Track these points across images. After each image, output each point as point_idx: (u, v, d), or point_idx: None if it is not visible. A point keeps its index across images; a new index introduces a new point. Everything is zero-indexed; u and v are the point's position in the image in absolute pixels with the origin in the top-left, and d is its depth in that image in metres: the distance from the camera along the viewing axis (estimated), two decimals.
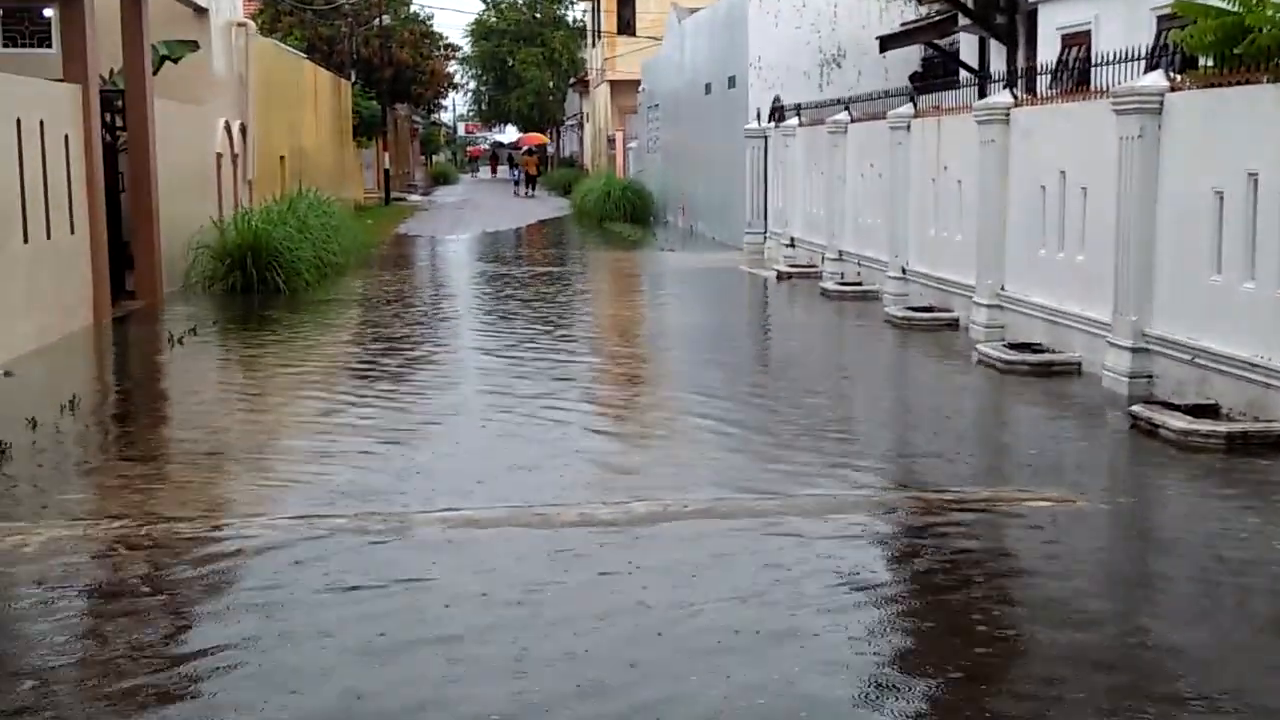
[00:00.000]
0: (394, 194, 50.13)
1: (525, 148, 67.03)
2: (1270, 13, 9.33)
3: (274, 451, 9.33)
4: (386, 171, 48.83)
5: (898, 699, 5.03)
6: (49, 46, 20.21)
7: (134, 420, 10.73)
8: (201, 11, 21.22)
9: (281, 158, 27.66)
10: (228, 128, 22.22)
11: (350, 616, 5.86)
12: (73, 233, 15.03)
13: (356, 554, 6.75)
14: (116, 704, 4.99)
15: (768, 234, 25.16)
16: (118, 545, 6.93)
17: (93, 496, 8.13)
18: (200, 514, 7.52)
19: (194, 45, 20.40)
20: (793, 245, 22.98)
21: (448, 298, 19.50)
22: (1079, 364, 11.78)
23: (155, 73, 18.57)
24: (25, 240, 13.54)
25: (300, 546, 6.85)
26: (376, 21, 50.63)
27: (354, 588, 6.22)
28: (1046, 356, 12.05)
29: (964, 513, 7.48)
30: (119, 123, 17.80)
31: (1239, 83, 9.62)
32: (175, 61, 19.83)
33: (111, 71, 18.33)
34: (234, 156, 22.74)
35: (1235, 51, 9.64)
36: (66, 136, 14.87)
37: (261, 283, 18.58)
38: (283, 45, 32.48)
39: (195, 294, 18.62)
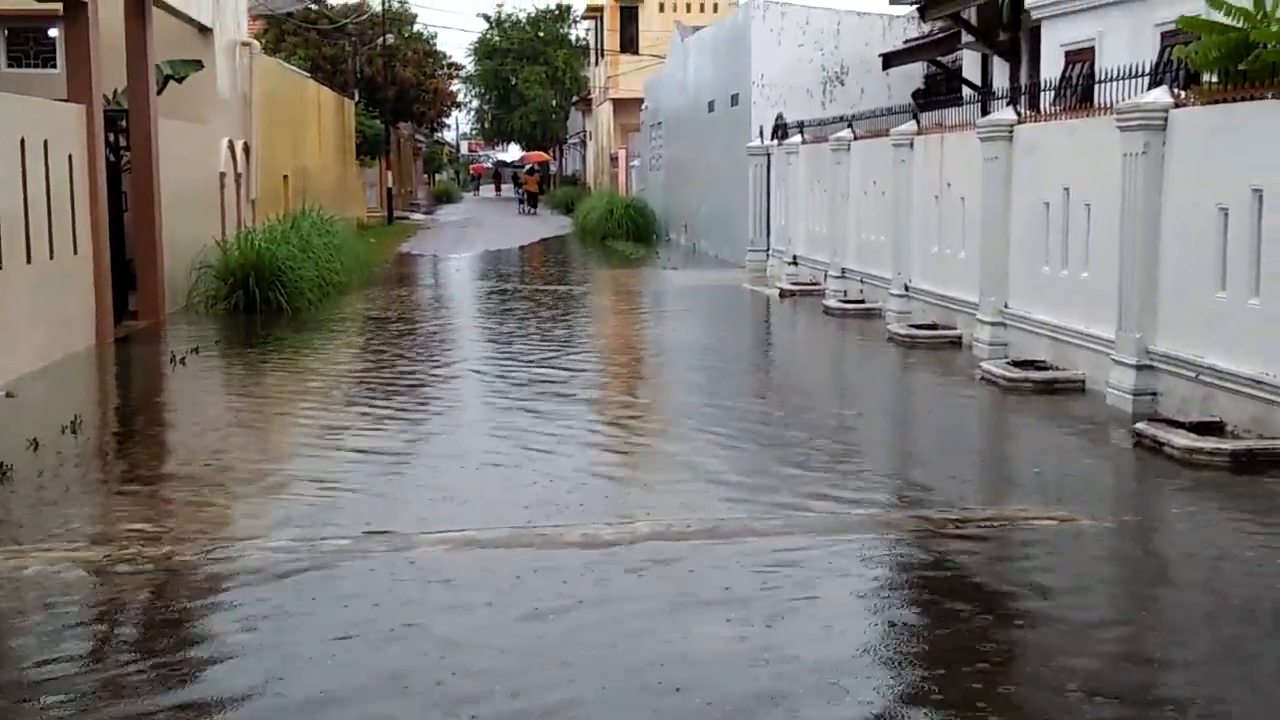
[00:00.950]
0: (397, 213, 50.22)
1: (527, 166, 67.31)
2: (1275, 28, 9.32)
3: (275, 474, 9.29)
4: (389, 190, 48.91)
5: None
6: (54, 66, 20.25)
7: (135, 442, 10.70)
8: (206, 31, 21.26)
9: (285, 177, 27.68)
10: (231, 147, 22.24)
11: (349, 641, 5.82)
12: (76, 253, 15.02)
13: (357, 576, 6.70)
14: None
15: (770, 252, 25.15)
16: (117, 568, 6.89)
17: (93, 519, 8.08)
18: (201, 537, 7.48)
19: (198, 65, 20.45)
20: (795, 263, 22.96)
21: (450, 317, 19.48)
22: (1083, 381, 11.74)
23: (159, 92, 18.60)
24: (29, 260, 13.53)
25: (299, 569, 6.81)
26: (380, 41, 50.79)
27: (351, 608, 6.18)
28: (1050, 374, 12.02)
29: (968, 531, 7.44)
30: (123, 142, 17.82)
31: (1244, 98, 9.61)
32: (179, 81, 19.87)
33: (116, 91, 18.36)
34: (237, 176, 22.77)
35: (1240, 67, 9.63)
36: (70, 156, 14.87)
37: (264, 302, 18.58)
38: (286, 64, 32.57)
39: (198, 314, 18.62)
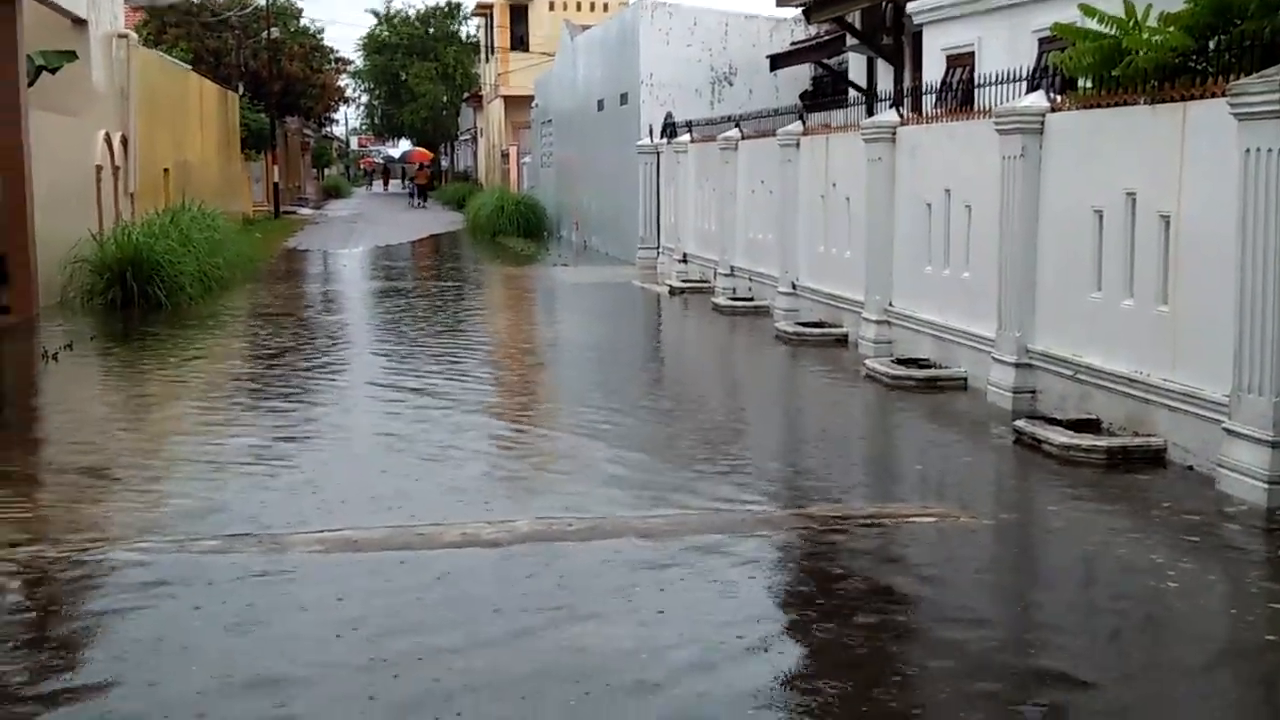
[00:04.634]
0: (284, 207, 49.48)
1: (416, 164, 67.74)
2: (1146, 36, 9.51)
3: (150, 472, 9.06)
4: (276, 185, 48.16)
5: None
6: None
7: (4, 439, 10.36)
8: (80, 22, 20.73)
9: (165, 170, 27.09)
10: (108, 140, 21.69)
11: (221, 645, 5.69)
12: None
13: (231, 578, 6.56)
14: None
15: (661, 249, 25.20)
16: None
17: None
18: (71, 536, 7.26)
19: (72, 55, 19.90)
20: (685, 261, 23.02)
21: (337, 313, 19.20)
22: (964, 379, 11.91)
23: (32, 84, 18.09)
24: None
25: (172, 570, 6.64)
26: (265, 34, 49.97)
27: (227, 615, 6.04)
28: (932, 372, 12.18)
29: (850, 528, 7.49)
30: None
31: (1117, 104, 9.80)
32: (53, 72, 19.32)
33: None
34: (115, 169, 22.21)
35: (1113, 74, 9.80)
36: None
37: (143, 297, 18.20)
38: (167, 57, 31.87)
39: (73, 309, 18.14)
